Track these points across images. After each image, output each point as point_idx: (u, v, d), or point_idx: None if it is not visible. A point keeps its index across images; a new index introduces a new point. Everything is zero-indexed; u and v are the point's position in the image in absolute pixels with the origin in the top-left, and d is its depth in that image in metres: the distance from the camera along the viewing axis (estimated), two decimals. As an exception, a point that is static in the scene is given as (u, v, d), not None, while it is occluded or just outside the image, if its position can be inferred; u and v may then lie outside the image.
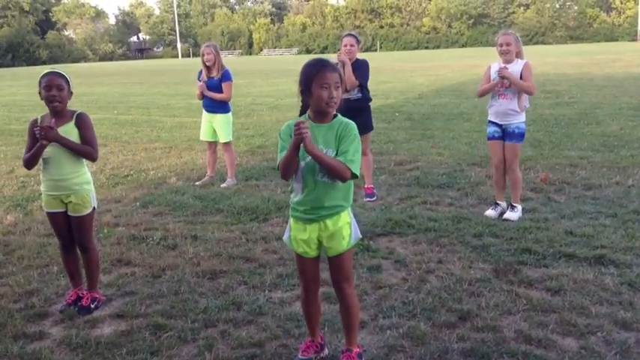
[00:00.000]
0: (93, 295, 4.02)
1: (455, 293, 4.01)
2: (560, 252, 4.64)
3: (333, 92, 2.87)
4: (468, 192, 6.55)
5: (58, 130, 3.71)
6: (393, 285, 4.18)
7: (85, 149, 3.83)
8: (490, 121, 5.72)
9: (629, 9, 77.12)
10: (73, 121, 3.81)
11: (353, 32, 6.62)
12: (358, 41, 6.37)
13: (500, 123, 5.61)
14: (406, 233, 5.26)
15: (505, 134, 5.61)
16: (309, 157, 2.88)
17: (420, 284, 4.18)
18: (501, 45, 5.51)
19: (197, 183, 7.45)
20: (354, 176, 2.89)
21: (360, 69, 6.19)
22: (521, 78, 5.43)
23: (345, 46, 6.26)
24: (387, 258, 4.70)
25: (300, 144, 2.78)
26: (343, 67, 5.97)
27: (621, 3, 78.66)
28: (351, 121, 2.97)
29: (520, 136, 5.60)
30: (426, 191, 6.66)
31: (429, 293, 4.02)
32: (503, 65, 5.47)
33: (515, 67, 5.46)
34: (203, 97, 7.38)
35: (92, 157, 3.89)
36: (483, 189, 6.62)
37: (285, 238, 3.22)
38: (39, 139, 3.63)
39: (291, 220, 3.14)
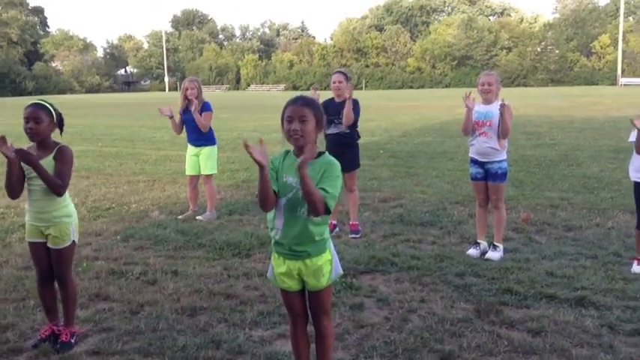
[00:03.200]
0: (70, 330, 3.93)
1: (437, 333, 3.99)
2: (542, 293, 4.65)
3: (295, 125, 2.90)
4: (450, 230, 6.58)
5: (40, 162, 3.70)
6: (375, 324, 4.15)
7: (53, 181, 3.71)
8: (472, 160, 5.78)
9: (609, 54, 79.18)
10: (52, 154, 3.79)
11: (342, 69, 6.78)
12: (347, 78, 6.50)
13: (481, 161, 5.67)
14: (389, 271, 5.25)
15: (488, 175, 5.67)
16: (291, 193, 2.91)
17: (402, 324, 4.16)
18: (483, 84, 5.61)
19: (180, 217, 7.41)
20: (327, 211, 2.88)
21: (355, 107, 6.31)
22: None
23: (334, 82, 6.43)
24: (370, 296, 4.67)
25: (263, 169, 2.80)
26: (342, 102, 6.23)
27: (601, 48, 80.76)
28: (336, 161, 2.98)
29: (503, 175, 5.66)
30: (409, 229, 6.68)
31: (411, 333, 3.99)
32: (503, 102, 5.47)
33: (495, 107, 5.55)
34: (187, 131, 7.45)
35: (57, 191, 3.76)
36: (466, 228, 6.65)
37: (269, 275, 3.22)
38: (6, 155, 3.53)
39: (272, 255, 3.14)
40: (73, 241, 3.94)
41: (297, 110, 2.93)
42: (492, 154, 5.60)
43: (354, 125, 6.38)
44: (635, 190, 5.29)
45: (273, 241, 3.10)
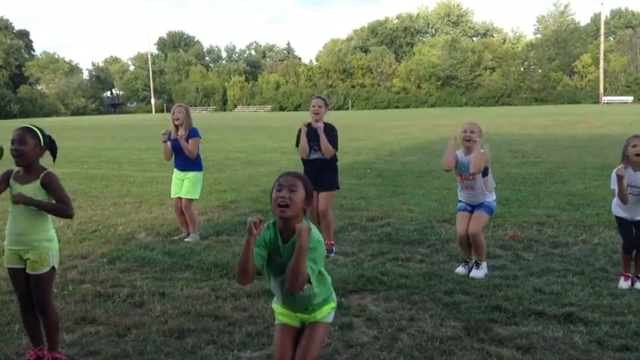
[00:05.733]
0: (54, 356, 3.87)
1: (426, 352, 3.97)
2: (530, 310, 4.66)
3: (284, 193, 2.90)
4: (438, 248, 6.59)
5: (25, 187, 3.70)
6: (364, 343, 4.13)
7: (58, 208, 3.78)
8: (461, 201, 5.83)
9: (591, 73, 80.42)
10: (39, 180, 3.75)
11: (321, 96, 7.18)
12: (326, 104, 6.80)
13: (471, 204, 5.73)
14: (378, 290, 5.24)
15: (475, 207, 5.72)
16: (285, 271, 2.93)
17: (391, 342, 4.14)
18: (465, 132, 5.60)
19: (175, 238, 7.39)
20: (309, 281, 2.94)
21: (330, 134, 6.53)
22: (487, 168, 5.55)
23: (314, 106, 6.65)
24: (359, 315, 4.66)
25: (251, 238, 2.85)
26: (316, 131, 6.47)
27: (583, 67, 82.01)
28: (321, 238, 2.99)
29: (489, 209, 5.70)
30: (397, 247, 6.69)
31: (401, 352, 3.98)
32: (483, 150, 5.50)
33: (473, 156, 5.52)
34: (174, 157, 7.46)
35: (67, 215, 3.84)
36: (453, 246, 6.66)
37: (272, 303, 3.28)
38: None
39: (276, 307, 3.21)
40: (53, 266, 3.86)
41: (288, 180, 2.95)
42: (481, 199, 5.67)
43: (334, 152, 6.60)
44: (618, 222, 5.44)
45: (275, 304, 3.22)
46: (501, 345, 4.07)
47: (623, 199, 5.15)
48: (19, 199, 3.69)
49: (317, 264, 2.93)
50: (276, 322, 3.21)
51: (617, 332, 4.21)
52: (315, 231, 2.95)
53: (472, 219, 5.67)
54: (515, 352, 3.95)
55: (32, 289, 3.83)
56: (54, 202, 3.79)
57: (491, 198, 5.70)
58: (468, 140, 5.55)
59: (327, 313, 3.16)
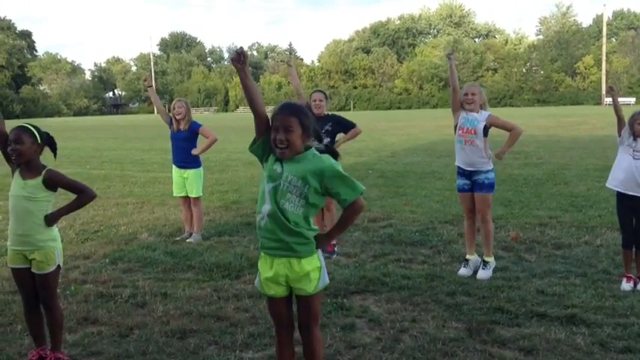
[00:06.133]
0: (56, 356, 3.87)
1: (429, 353, 3.97)
2: (532, 311, 4.65)
3: (280, 135, 2.90)
4: (440, 250, 6.59)
5: (28, 182, 3.72)
6: (366, 345, 4.13)
7: (82, 201, 3.86)
8: (459, 172, 5.83)
9: (593, 74, 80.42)
10: (41, 178, 3.77)
11: (321, 89, 7.19)
12: (326, 97, 6.83)
13: (468, 170, 5.71)
14: (380, 291, 5.24)
15: (474, 186, 5.71)
16: (278, 182, 2.94)
17: (393, 344, 4.14)
18: (467, 94, 5.68)
19: (177, 238, 7.39)
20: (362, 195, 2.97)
21: (339, 123, 6.73)
22: (488, 129, 5.61)
23: (315, 100, 6.68)
24: (361, 317, 4.65)
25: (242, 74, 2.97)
26: (323, 117, 6.57)
27: (585, 69, 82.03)
28: (325, 157, 2.97)
29: (490, 186, 5.69)
30: (399, 249, 6.68)
31: (403, 353, 3.97)
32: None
33: (482, 116, 5.63)
34: (172, 152, 7.47)
35: (92, 197, 3.89)
36: (456, 247, 6.66)
37: (256, 282, 3.23)
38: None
39: (261, 255, 3.14)
40: (59, 265, 3.88)
41: (283, 119, 2.93)
42: (479, 164, 5.64)
43: (352, 126, 6.78)
44: (617, 202, 5.40)
45: (258, 233, 3.09)
46: (504, 346, 4.06)
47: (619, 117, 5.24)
48: (52, 222, 3.79)
49: (348, 190, 2.92)
50: (265, 295, 3.18)
51: (620, 334, 4.20)
52: (312, 155, 2.98)
53: (477, 203, 5.69)
54: (518, 354, 3.94)
55: (38, 288, 3.84)
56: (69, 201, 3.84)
57: (488, 167, 5.66)
58: (470, 103, 5.64)
59: (312, 276, 3.04)
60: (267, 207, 3.00)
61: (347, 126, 6.76)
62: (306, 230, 3.01)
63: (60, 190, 3.86)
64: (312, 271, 3.04)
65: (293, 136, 2.90)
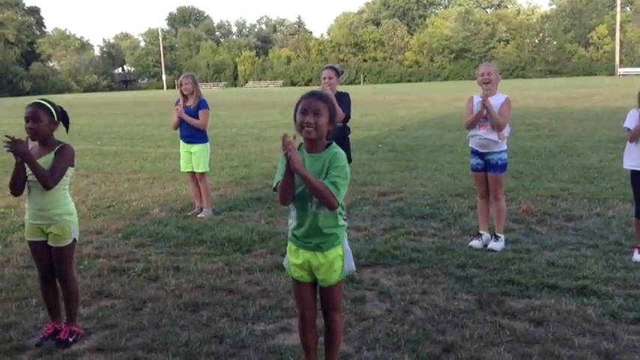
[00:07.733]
0: (71, 329, 3.94)
1: (439, 325, 3.99)
2: (543, 283, 4.65)
3: (309, 118, 2.92)
4: (451, 223, 6.58)
5: (40, 161, 3.70)
6: (377, 317, 4.16)
7: (43, 173, 3.69)
8: (472, 152, 5.80)
9: (607, 44, 79.03)
10: (53, 152, 3.79)
11: (333, 65, 6.84)
12: (338, 73, 6.57)
13: (481, 152, 5.68)
14: (390, 264, 5.26)
15: (488, 166, 5.68)
16: (301, 187, 2.95)
17: (404, 316, 4.17)
18: (482, 75, 5.61)
19: (189, 213, 7.43)
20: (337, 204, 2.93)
21: (343, 101, 6.29)
22: (499, 112, 5.54)
23: (324, 78, 6.49)
24: (371, 289, 4.68)
25: (290, 162, 2.82)
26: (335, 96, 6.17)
27: (599, 39, 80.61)
28: (340, 151, 3.01)
29: (503, 167, 5.67)
30: (409, 222, 6.68)
31: (413, 325, 4.00)
32: (485, 95, 5.54)
33: (496, 101, 5.56)
34: (180, 127, 7.45)
35: (46, 184, 3.71)
36: (466, 220, 6.65)
37: (284, 263, 3.28)
38: (7, 151, 3.58)
39: (289, 243, 3.19)
40: (74, 239, 3.94)
41: (312, 103, 2.96)
42: (492, 146, 5.61)
43: (345, 119, 6.42)
44: (632, 178, 5.32)
45: (289, 232, 3.16)
46: (514, 318, 4.08)
47: (636, 137, 5.15)
48: (20, 149, 3.58)
49: (336, 179, 2.89)
50: (292, 277, 3.22)
51: (631, 305, 4.20)
52: (332, 148, 3.00)
53: (490, 183, 5.68)
54: (528, 325, 3.96)
55: (54, 261, 3.90)
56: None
57: (501, 147, 5.61)
58: (487, 82, 5.56)
59: (336, 265, 3.08)
60: (295, 213, 3.06)
61: (346, 109, 6.37)
62: (334, 229, 3.07)
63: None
64: (335, 259, 3.08)
65: (321, 119, 2.95)
